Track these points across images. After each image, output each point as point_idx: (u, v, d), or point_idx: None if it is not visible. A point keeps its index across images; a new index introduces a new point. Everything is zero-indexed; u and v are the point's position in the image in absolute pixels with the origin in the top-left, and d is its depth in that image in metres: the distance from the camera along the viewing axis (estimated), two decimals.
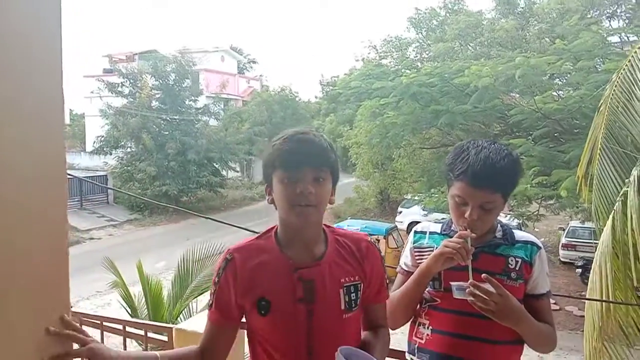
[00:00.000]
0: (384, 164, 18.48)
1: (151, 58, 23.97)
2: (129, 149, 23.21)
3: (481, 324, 1.52)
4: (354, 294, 1.39)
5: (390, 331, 1.58)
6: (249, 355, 1.51)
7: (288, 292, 1.35)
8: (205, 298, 6.50)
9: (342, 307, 1.37)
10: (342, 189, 26.37)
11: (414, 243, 1.71)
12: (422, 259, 1.60)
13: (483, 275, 1.46)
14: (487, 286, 1.45)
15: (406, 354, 1.72)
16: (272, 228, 1.45)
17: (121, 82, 23.12)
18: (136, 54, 28.44)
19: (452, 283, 1.51)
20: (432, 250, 1.57)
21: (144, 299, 6.58)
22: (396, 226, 14.92)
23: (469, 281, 1.46)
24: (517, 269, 1.57)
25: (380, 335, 1.49)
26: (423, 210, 14.79)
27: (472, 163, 1.50)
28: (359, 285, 1.40)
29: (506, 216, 10.59)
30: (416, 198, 15.18)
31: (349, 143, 19.19)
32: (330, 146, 1.39)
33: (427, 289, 1.64)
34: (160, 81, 23.05)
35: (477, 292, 1.44)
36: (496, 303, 1.44)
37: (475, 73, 9.38)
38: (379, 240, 13.09)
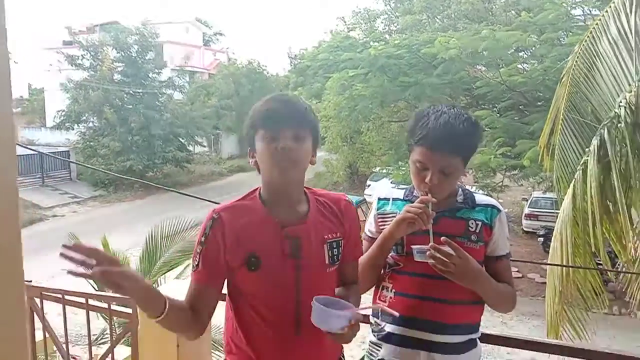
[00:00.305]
0: (352, 138, 18.51)
1: (112, 30, 23.12)
2: (91, 124, 22.55)
3: (442, 286, 1.55)
4: (335, 250, 1.48)
5: None
6: (226, 320, 1.53)
7: (277, 249, 1.41)
8: (174, 274, 6.46)
9: (327, 261, 1.46)
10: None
11: (377, 209, 1.73)
12: (385, 224, 1.62)
13: (442, 238, 1.49)
14: (447, 249, 1.48)
15: (370, 317, 1.75)
16: (255, 190, 1.50)
17: (82, 55, 22.26)
18: (97, 25, 27.42)
19: (413, 246, 1.54)
20: (395, 216, 1.59)
21: None
22: (365, 199, 15.03)
23: (430, 244, 1.49)
24: (477, 231, 1.60)
25: (352, 290, 1.58)
26: (391, 183, 14.93)
27: (431, 128, 1.52)
28: (340, 241, 1.50)
29: (472, 187, 10.80)
30: (384, 171, 15.29)
31: (317, 116, 19.14)
32: (310, 108, 1.47)
33: (390, 254, 1.66)
34: (123, 53, 22.29)
35: (437, 255, 1.48)
36: (455, 265, 1.47)
37: (442, 44, 9.41)
38: None
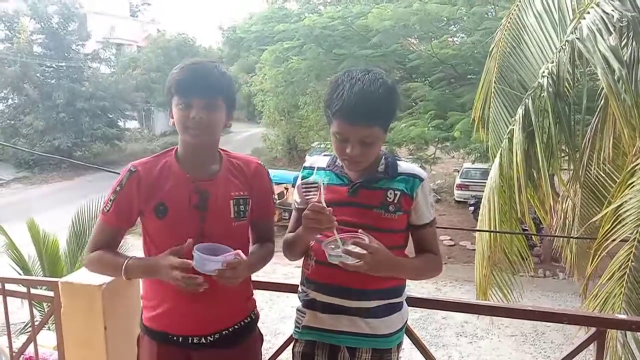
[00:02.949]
0: (290, 112, 18.33)
1: None
2: (10, 101, 21.03)
3: None
4: (242, 206, 1.63)
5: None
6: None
7: (184, 200, 1.56)
8: None
9: (232, 215, 1.61)
10: (251, 140, 25.89)
11: (302, 179, 1.70)
12: (308, 194, 1.58)
13: (351, 241, 1.46)
14: (358, 249, 1.45)
15: (299, 285, 1.76)
16: (172, 148, 1.65)
17: None
18: None
19: (325, 248, 1.50)
20: (316, 186, 1.55)
21: (38, 261, 6.16)
22: None
23: (341, 249, 1.46)
24: (395, 201, 1.59)
25: (263, 247, 1.72)
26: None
27: (346, 99, 1.46)
28: (247, 199, 1.64)
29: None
30: (322, 146, 15.31)
31: (253, 90, 18.74)
32: (223, 75, 1.56)
33: None
34: (42, 24, 20.84)
35: (350, 264, 1.45)
36: (367, 263, 1.44)
37: (377, 16, 9.41)
38: (287, 189, 13.16)
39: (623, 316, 2.67)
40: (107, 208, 1.59)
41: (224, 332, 1.62)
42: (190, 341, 1.59)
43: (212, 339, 1.60)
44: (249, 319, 1.70)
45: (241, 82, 24.63)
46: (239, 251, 1.51)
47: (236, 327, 1.65)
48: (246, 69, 21.32)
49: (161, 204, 1.55)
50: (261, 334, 1.78)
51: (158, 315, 1.61)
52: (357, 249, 1.45)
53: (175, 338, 1.59)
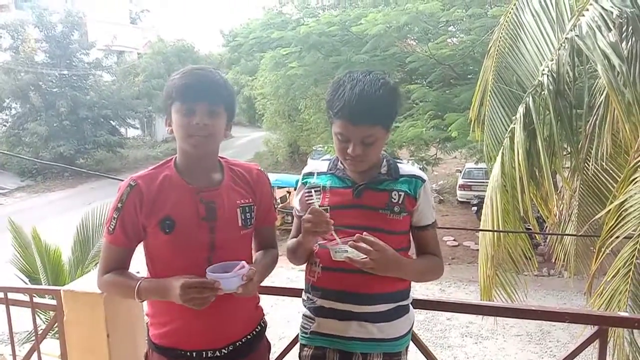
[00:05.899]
0: (291, 116, 18.37)
1: (31, 8, 21.53)
2: (14, 110, 21.08)
3: None
4: (248, 214, 1.58)
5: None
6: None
7: (192, 212, 1.50)
8: None
9: (240, 224, 1.56)
10: (253, 144, 25.86)
11: (303, 184, 1.71)
12: (310, 199, 1.58)
13: (356, 236, 1.48)
14: (364, 245, 1.46)
15: (303, 292, 1.76)
16: (171, 159, 1.58)
17: None
18: (12, 1, 25.43)
19: (329, 247, 1.51)
20: (319, 189, 1.57)
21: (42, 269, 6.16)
22: None
23: (348, 242, 1.48)
24: (400, 202, 1.60)
25: (268, 253, 1.68)
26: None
27: (347, 99, 1.47)
28: (252, 206, 1.60)
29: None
30: (324, 148, 15.32)
31: (254, 94, 18.80)
32: (226, 83, 1.52)
33: None
34: (46, 33, 20.90)
35: (357, 260, 1.47)
36: (374, 260, 1.46)
37: (370, 21, 9.39)
38: (289, 193, 13.17)
39: (625, 314, 2.66)
40: (112, 227, 1.50)
41: (237, 344, 1.58)
42: (204, 355, 1.54)
43: (225, 351, 1.56)
44: (259, 328, 1.68)
45: (242, 84, 24.67)
46: (244, 262, 1.45)
47: (248, 336, 1.62)
48: (247, 73, 21.30)
49: (167, 218, 1.47)
50: (269, 342, 1.76)
51: (169, 332, 1.56)
52: (364, 245, 1.46)
53: (188, 354, 1.54)
